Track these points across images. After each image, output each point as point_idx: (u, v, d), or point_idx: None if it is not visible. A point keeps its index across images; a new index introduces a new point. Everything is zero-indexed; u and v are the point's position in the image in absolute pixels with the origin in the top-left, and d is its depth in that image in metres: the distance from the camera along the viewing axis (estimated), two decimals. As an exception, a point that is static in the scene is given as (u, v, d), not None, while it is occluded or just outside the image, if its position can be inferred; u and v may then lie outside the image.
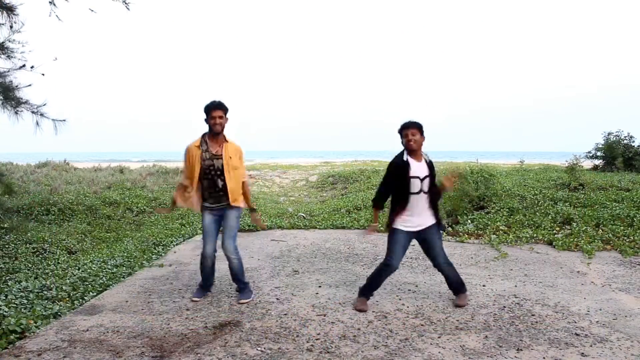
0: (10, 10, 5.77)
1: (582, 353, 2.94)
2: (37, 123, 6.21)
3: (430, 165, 3.76)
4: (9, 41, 5.92)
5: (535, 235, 6.48)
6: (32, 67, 5.94)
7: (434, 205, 3.76)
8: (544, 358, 2.88)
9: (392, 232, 3.74)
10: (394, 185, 3.70)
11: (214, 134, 3.90)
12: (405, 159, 3.66)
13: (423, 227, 3.73)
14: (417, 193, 3.65)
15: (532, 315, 3.61)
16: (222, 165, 3.87)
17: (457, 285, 3.90)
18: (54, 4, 5.92)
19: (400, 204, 3.67)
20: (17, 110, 5.99)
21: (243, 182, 4.05)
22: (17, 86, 5.96)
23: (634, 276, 4.69)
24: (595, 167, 14.99)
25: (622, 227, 6.51)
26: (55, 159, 17.17)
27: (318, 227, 7.87)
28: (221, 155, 3.89)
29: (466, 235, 6.77)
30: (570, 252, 5.76)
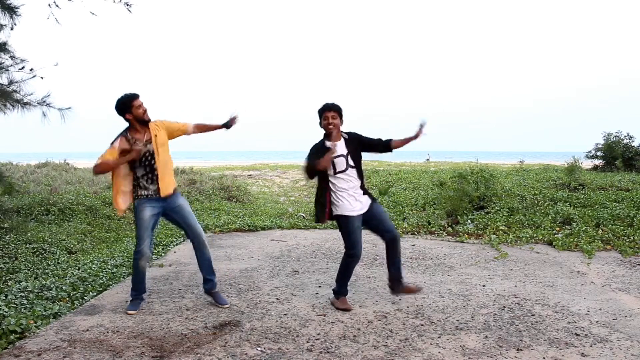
0: (12, 10, 5.77)
1: (582, 353, 2.94)
2: (44, 114, 6.25)
3: (350, 141, 3.78)
4: (9, 46, 5.94)
5: (535, 235, 6.48)
6: (31, 69, 5.95)
7: (362, 184, 3.79)
8: (544, 358, 2.88)
9: (344, 221, 3.72)
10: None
11: (142, 123, 3.70)
12: (326, 144, 3.70)
13: (365, 209, 3.75)
14: (345, 170, 3.69)
15: (532, 315, 3.61)
16: (154, 150, 3.69)
17: (399, 264, 3.83)
18: (56, 5, 5.92)
19: (329, 184, 3.71)
20: (25, 103, 6.01)
21: (194, 126, 3.93)
22: (21, 79, 5.98)
23: (634, 276, 4.69)
24: (595, 167, 15.01)
25: (622, 227, 6.52)
26: (55, 159, 17.16)
27: (318, 227, 7.87)
28: (149, 139, 3.71)
29: (466, 235, 6.76)
30: (570, 252, 5.76)
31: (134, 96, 3.66)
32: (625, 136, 14.75)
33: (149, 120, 3.73)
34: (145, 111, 3.68)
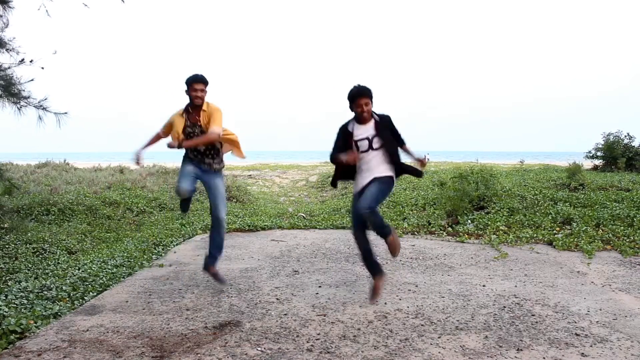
0: (4, 2, 5.73)
1: (582, 353, 2.94)
2: (40, 117, 6.26)
3: (380, 123, 3.83)
4: (9, 41, 5.89)
5: (535, 235, 6.48)
6: (31, 61, 5.91)
7: (393, 160, 3.83)
8: (544, 358, 2.88)
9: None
10: (342, 147, 3.87)
11: (194, 106, 4.15)
12: (350, 128, 3.85)
13: (364, 184, 3.84)
14: (366, 151, 3.81)
15: (532, 315, 3.61)
16: (201, 132, 4.14)
17: (380, 230, 3.81)
18: None
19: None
20: (20, 106, 6.00)
21: (226, 138, 4.29)
22: (19, 81, 5.97)
23: (634, 276, 4.69)
24: (595, 167, 15.00)
25: (622, 227, 6.51)
26: (55, 159, 17.16)
27: (318, 227, 7.87)
28: (199, 124, 4.15)
29: (466, 235, 6.76)
30: (570, 252, 5.76)
31: (196, 79, 4.09)
32: (625, 136, 14.73)
33: (198, 106, 4.14)
34: (197, 97, 4.10)
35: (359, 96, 3.72)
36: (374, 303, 3.88)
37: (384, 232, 3.81)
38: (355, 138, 3.83)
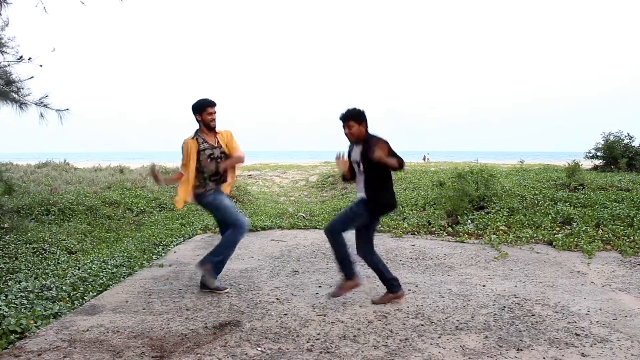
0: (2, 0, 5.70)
1: (582, 353, 2.94)
2: (42, 115, 6.22)
3: (368, 147, 3.76)
4: (9, 40, 5.87)
5: (535, 235, 6.48)
6: (29, 58, 5.87)
7: (369, 184, 3.82)
8: (544, 358, 2.88)
9: None
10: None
11: (210, 129, 4.17)
12: (350, 147, 3.99)
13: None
14: (359, 174, 3.91)
15: (532, 315, 3.61)
16: (222, 153, 4.19)
17: (340, 265, 3.87)
18: None
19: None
20: (21, 104, 5.97)
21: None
22: (19, 79, 5.93)
23: (634, 276, 4.69)
24: (595, 167, 15.00)
25: (622, 227, 6.51)
26: (55, 159, 17.16)
27: (318, 227, 7.86)
28: (218, 145, 4.20)
29: (466, 235, 6.76)
30: (570, 252, 5.76)
31: (211, 103, 4.14)
32: (625, 136, 14.73)
33: (214, 128, 4.18)
34: (213, 120, 4.15)
35: (342, 120, 3.85)
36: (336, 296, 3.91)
37: (344, 270, 3.84)
38: (351, 159, 3.98)
